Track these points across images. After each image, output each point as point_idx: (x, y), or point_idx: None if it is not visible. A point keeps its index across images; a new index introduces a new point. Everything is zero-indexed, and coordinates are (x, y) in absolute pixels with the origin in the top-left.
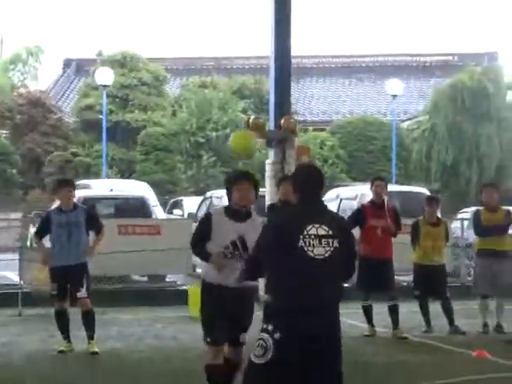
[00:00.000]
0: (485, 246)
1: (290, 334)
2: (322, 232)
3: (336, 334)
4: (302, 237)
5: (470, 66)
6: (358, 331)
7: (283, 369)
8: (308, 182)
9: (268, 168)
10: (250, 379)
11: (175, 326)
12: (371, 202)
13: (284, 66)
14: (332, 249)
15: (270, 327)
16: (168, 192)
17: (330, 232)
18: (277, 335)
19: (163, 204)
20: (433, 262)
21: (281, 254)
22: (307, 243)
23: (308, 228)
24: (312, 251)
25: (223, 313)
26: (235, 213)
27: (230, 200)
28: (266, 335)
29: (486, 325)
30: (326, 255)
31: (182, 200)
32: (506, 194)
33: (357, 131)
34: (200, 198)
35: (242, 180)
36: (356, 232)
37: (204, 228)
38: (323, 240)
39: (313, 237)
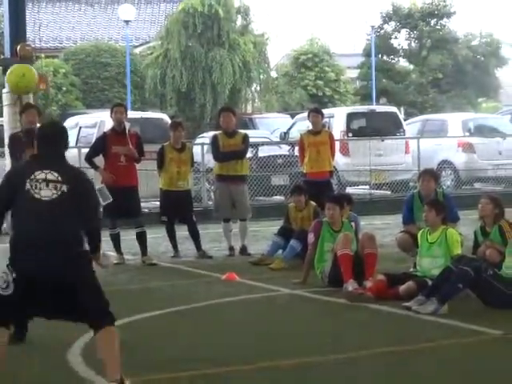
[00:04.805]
0: (223, 171)
1: (22, 269)
2: (50, 177)
3: (68, 270)
4: (29, 180)
5: None
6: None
7: (24, 299)
8: (46, 138)
9: (5, 97)
10: None
11: None
12: (112, 129)
13: None
14: (59, 192)
15: (9, 262)
16: None
17: (60, 178)
18: (13, 270)
19: None
20: (178, 187)
21: (13, 195)
22: (34, 186)
23: (37, 173)
24: (39, 193)
25: None
26: None
27: None
28: (7, 270)
29: (231, 248)
30: (53, 197)
31: None
32: (240, 118)
33: (90, 58)
34: None
35: None
36: (100, 160)
37: None
38: (51, 184)
39: (40, 181)
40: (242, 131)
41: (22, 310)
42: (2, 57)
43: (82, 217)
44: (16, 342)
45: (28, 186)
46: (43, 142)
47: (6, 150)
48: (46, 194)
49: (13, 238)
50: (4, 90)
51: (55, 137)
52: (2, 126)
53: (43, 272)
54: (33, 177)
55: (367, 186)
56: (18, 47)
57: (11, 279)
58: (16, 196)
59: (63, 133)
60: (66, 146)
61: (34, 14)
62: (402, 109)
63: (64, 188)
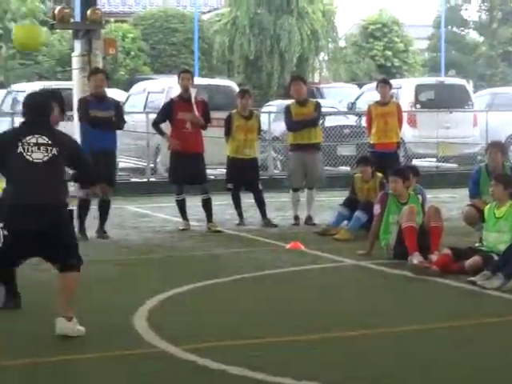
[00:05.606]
0: (296, 140)
1: (15, 229)
2: (41, 141)
3: (59, 228)
4: (20, 144)
5: None
6: (173, 226)
7: (13, 257)
8: (32, 106)
9: (75, 60)
10: None
11: None
12: (179, 95)
13: None
14: (50, 155)
15: (1, 224)
16: None
17: (50, 142)
18: (5, 231)
19: None
20: (245, 155)
21: (5, 158)
22: (26, 149)
23: (28, 138)
24: (30, 156)
25: None
26: None
27: None
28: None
29: (296, 217)
30: (45, 159)
31: None
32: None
33: (158, 23)
34: (0, 91)
35: None
36: (167, 126)
37: None
38: (42, 147)
39: (32, 144)
40: (314, 100)
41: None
42: (73, 21)
43: (80, 172)
44: (12, 308)
45: (20, 148)
46: (31, 111)
47: (75, 113)
48: (38, 156)
49: (6, 197)
50: (74, 54)
51: (41, 108)
52: (71, 89)
53: (34, 228)
54: (24, 140)
55: (434, 159)
56: (89, 11)
57: (1, 234)
58: (7, 157)
59: (48, 104)
60: (49, 114)
61: None
62: (470, 81)
63: (54, 151)
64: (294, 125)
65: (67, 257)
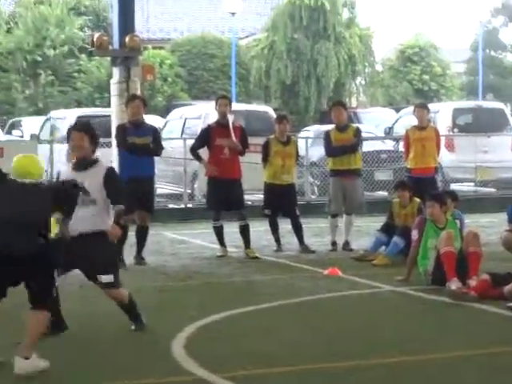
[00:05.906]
0: (336, 166)
1: None
2: None
3: (34, 251)
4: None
5: None
6: (210, 252)
7: None
8: None
9: (113, 88)
10: None
11: None
12: (217, 121)
13: None
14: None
15: None
16: (5, 112)
17: None
18: None
19: (0, 125)
20: (283, 180)
21: None
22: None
23: None
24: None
25: None
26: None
27: None
28: None
29: (334, 243)
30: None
31: (20, 120)
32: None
33: (196, 49)
34: (39, 118)
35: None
36: (205, 152)
37: None
38: None
39: None
40: (355, 125)
41: None
42: (111, 48)
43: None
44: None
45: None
46: None
47: (114, 140)
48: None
49: None
50: (112, 81)
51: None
52: (110, 116)
53: (11, 250)
54: None
55: (472, 183)
56: (127, 38)
57: None
58: None
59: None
60: None
61: (143, 5)
62: (508, 105)
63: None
64: (333, 150)
65: (40, 291)
